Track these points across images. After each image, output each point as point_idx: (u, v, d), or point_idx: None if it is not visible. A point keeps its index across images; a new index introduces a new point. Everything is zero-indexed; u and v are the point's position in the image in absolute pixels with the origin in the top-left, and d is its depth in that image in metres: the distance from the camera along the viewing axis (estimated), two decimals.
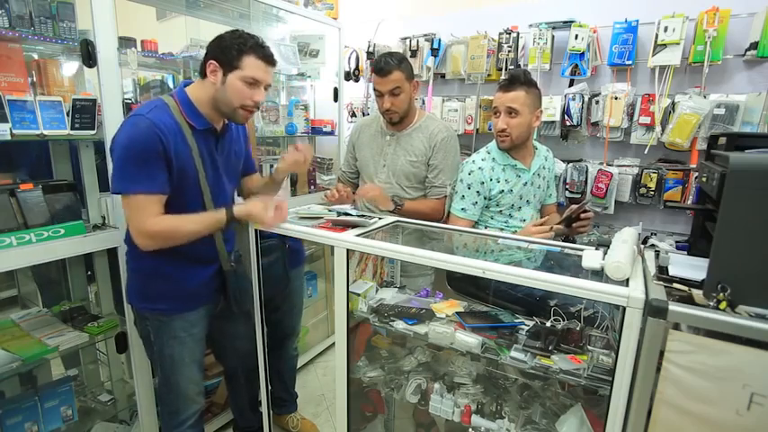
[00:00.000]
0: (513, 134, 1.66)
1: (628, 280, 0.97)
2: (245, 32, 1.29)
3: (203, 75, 1.31)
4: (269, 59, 1.32)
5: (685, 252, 1.25)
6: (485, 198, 1.73)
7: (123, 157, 1.19)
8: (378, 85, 1.78)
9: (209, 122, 1.33)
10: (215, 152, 1.37)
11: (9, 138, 1.29)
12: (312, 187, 2.50)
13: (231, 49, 1.25)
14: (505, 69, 2.29)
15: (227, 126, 1.42)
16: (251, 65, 1.27)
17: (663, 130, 1.95)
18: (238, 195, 1.67)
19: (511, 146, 1.70)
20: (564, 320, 1.29)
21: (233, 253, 1.48)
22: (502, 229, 1.76)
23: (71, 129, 1.41)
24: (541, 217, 1.89)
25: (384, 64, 1.75)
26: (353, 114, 2.88)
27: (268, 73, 1.32)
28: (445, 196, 1.83)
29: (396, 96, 1.77)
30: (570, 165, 2.21)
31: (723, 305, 0.84)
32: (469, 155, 2.48)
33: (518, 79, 1.63)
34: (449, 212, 1.82)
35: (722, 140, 1.22)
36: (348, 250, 1.31)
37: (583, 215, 1.65)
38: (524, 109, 1.63)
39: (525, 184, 1.76)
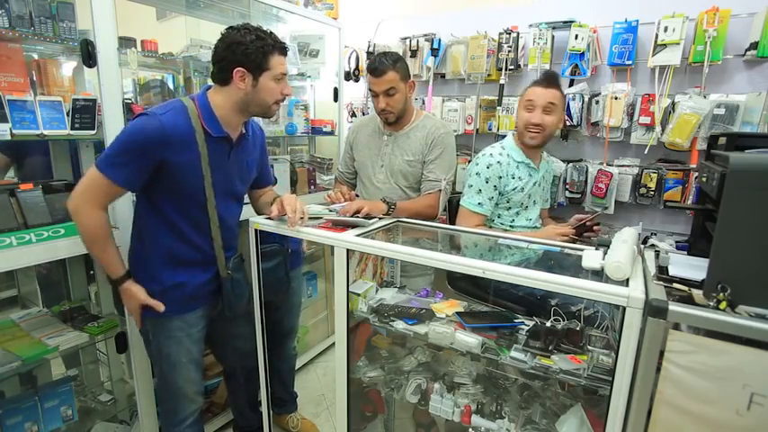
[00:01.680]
0: (547, 132, 1.69)
1: (628, 280, 0.97)
2: (257, 29, 1.29)
3: (223, 81, 1.30)
4: (286, 51, 1.35)
5: (685, 252, 1.25)
6: (499, 194, 1.73)
7: (119, 141, 1.22)
8: (373, 86, 1.78)
9: (225, 131, 1.33)
10: (227, 161, 1.37)
11: (9, 138, 1.29)
12: (312, 187, 2.50)
13: (257, 54, 1.26)
14: (505, 69, 2.29)
15: (245, 135, 1.42)
16: (277, 63, 1.31)
17: (663, 130, 1.95)
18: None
19: (540, 143, 1.72)
20: (564, 320, 1.29)
21: (233, 258, 1.48)
22: (507, 228, 1.76)
23: (71, 129, 1.41)
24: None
25: (378, 64, 1.74)
26: (353, 114, 2.88)
27: (286, 63, 1.37)
28: (439, 191, 1.83)
29: (391, 96, 1.77)
30: (570, 165, 2.21)
31: (723, 305, 0.84)
32: (469, 155, 2.50)
33: (557, 81, 1.67)
34: (458, 207, 1.81)
35: (722, 140, 1.22)
36: (348, 250, 1.31)
37: (595, 227, 1.69)
38: (558, 109, 1.67)
39: (535, 183, 1.77)
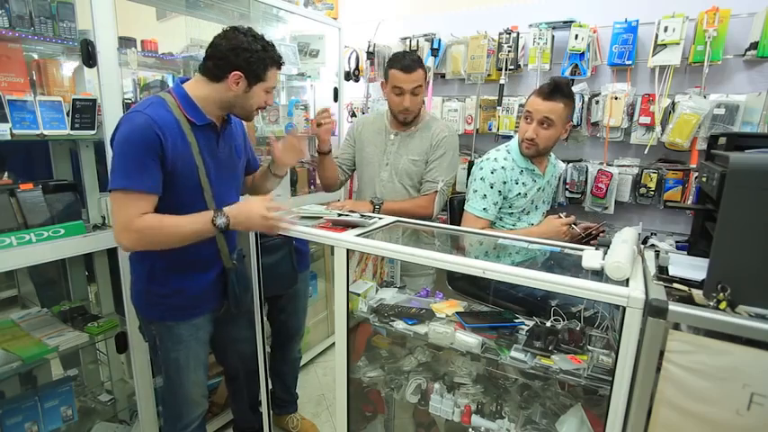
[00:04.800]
0: (541, 145, 1.65)
1: (628, 280, 0.97)
2: (263, 39, 1.29)
3: (216, 78, 1.28)
4: (281, 66, 1.38)
5: (685, 252, 1.25)
6: (503, 198, 1.72)
7: (120, 154, 1.18)
8: (401, 83, 1.74)
9: (208, 118, 1.32)
10: (216, 148, 1.36)
11: (9, 138, 1.29)
12: (312, 187, 2.50)
13: (259, 65, 1.27)
14: (505, 69, 2.29)
15: (227, 121, 1.42)
16: (272, 76, 1.34)
17: (663, 130, 1.95)
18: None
19: (535, 154, 1.70)
20: (564, 320, 1.29)
21: (235, 251, 1.48)
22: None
23: (71, 129, 1.41)
24: None
25: (410, 61, 1.73)
26: (353, 114, 2.88)
27: (278, 76, 1.40)
28: (435, 192, 1.83)
29: (416, 96, 1.77)
30: (570, 165, 2.21)
31: (723, 305, 0.84)
32: (469, 155, 2.50)
33: (561, 90, 1.58)
34: (463, 211, 1.80)
35: (722, 140, 1.22)
36: (348, 250, 1.31)
37: (601, 234, 1.68)
38: (559, 122, 1.61)
39: (539, 189, 1.76)
